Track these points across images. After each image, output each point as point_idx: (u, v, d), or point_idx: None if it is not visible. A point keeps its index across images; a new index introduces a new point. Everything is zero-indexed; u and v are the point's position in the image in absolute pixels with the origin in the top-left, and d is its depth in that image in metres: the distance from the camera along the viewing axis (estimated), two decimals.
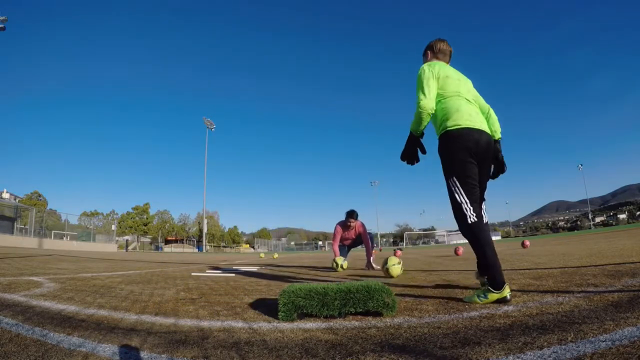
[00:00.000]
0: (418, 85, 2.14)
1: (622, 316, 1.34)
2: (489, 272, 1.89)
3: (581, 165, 64.00)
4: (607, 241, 8.30)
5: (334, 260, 4.70)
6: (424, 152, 2.24)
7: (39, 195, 54.49)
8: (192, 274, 4.69)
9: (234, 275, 4.41)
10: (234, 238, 73.79)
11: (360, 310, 1.70)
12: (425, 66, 2.20)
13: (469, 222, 1.96)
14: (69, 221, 28.98)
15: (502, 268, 1.89)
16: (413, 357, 1.10)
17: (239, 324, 1.62)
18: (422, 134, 2.21)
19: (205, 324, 1.65)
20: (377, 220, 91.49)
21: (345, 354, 1.16)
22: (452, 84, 2.18)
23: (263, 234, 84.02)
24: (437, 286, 2.62)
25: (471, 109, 2.15)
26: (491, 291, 1.84)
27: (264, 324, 1.62)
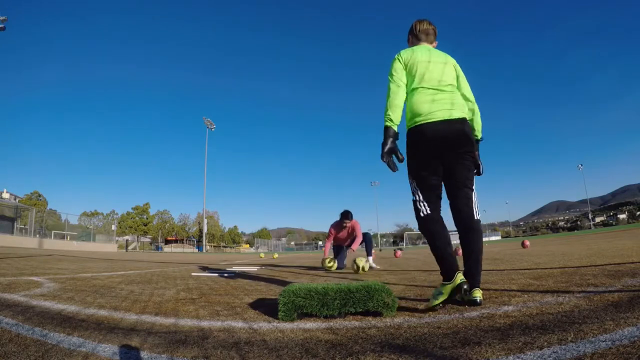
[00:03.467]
0: (389, 74, 2.11)
1: (622, 316, 1.34)
2: (439, 264, 1.90)
3: (581, 165, 63.95)
4: (607, 241, 8.30)
5: (323, 259, 5.16)
6: (400, 159, 2.02)
7: (39, 195, 54.48)
8: (192, 274, 4.69)
9: (234, 275, 4.41)
10: (234, 238, 73.79)
11: (360, 310, 1.70)
12: (397, 55, 2.16)
13: (421, 215, 2.00)
14: (69, 221, 28.99)
15: (454, 261, 1.86)
16: (413, 357, 1.10)
17: (239, 324, 1.62)
18: (397, 133, 2.04)
19: (205, 324, 1.65)
20: (377, 220, 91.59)
21: (345, 354, 1.16)
22: (420, 70, 2.09)
23: (263, 234, 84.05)
24: None
25: (432, 100, 2.02)
26: (444, 284, 1.83)
27: (264, 324, 1.62)
